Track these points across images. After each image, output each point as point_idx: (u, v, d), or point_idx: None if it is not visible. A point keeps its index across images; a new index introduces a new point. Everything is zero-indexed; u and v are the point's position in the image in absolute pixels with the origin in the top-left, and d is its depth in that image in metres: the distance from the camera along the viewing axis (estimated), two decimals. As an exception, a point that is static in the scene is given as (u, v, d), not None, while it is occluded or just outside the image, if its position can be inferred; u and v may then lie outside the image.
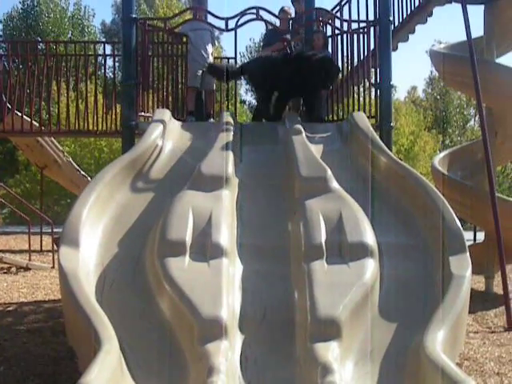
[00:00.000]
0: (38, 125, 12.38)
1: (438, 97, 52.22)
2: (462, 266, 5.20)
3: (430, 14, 11.96)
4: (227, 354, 4.41)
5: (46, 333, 9.07)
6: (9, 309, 11.05)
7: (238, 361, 4.63)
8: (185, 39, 10.11)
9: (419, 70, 73.99)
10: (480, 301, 11.05)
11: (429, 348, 4.19)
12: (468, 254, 5.38)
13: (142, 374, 4.45)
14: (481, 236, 13.91)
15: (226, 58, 12.53)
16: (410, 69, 71.84)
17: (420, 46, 46.51)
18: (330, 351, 4.37)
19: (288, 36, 10.51)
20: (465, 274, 5.10)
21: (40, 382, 6.99)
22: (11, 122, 11.59)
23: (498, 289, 11.59)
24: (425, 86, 54.74)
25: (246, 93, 47.75)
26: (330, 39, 10.11)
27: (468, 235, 15.41)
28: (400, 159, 7.18)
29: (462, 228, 5.67)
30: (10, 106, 11.91)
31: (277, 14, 10.39)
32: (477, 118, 44.56)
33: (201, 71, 10.25)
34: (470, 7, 10.91)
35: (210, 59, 10.50)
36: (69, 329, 5.25)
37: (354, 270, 5.19)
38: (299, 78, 9.08)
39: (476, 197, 11.66)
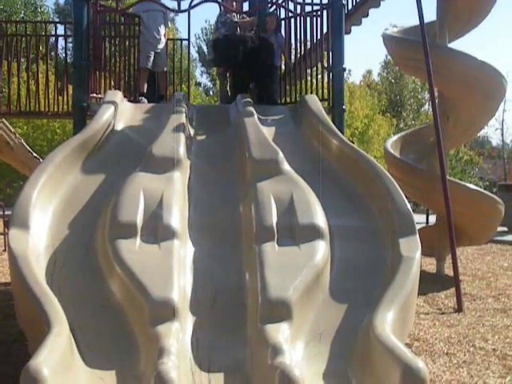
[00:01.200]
0: (-13, 105, 12.21)
1: (393, 81, 52.57)
2: (412, 248, 5.25)
3: (384, -1, 12.02)
4: (178, 336, 4.41)
5: (-4, 316, 8.99)
6: (-41, 292, 10.93)
7: (189, 342, 4.64)
8: (137, 20, 10.04)
9: (375, 54, 74.52)
10: (431, 282, 11.18)
11: (378, 328, 4.22)
12: (418, 236, 5.43)
13: (93, 357, 4.43)
14: (433, 219, 14.04)
15: (180, 39, 12.44)
16: (366, 52, 72.33)
17: (376, 29, 46.81)
18: (280, 332, 4.38)
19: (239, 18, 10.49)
20: (414, 256, 5.16)
21: (-10, 364, 6.93)
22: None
23: (448, 271, 11.73)
24: (380, 70, 55.09)
25: (201, 75, 47.64)
26: (282, 22, 10.10)
27: (420, 218, 15.70)
28: (353, 142, 7.24)
29: (412, 211, 5.72)
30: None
31: None
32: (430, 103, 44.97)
33: (153, 52, 10.17)
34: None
35: (163, 40, 10.43)
36: (19, 311, 5.20)
37: (305, 251, 5.22)
38: (252, 59, 9.12)
39: (428, 180, 11.76)
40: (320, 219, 5.53)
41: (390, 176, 6.12)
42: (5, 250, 15.03)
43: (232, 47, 9.53)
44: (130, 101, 8.79)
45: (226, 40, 9.82)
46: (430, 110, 16.44)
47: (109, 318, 4.85)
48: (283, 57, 10.16)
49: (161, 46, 10.37)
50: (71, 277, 5.23)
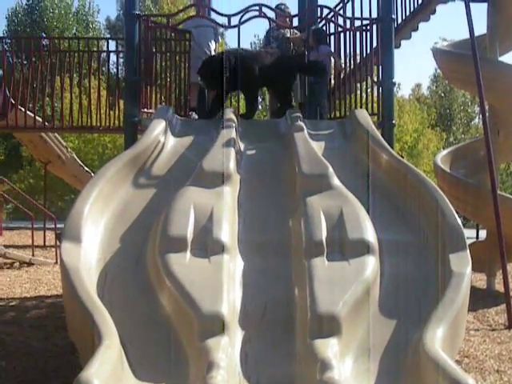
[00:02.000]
0: (41, 120, 12.41)
1: (443, 94, 52.21)
2: (462, 264, 5.20)
3: (433, 12, 11.96)
4: (227, 350, 4.42)
5: (48, 328, 9.12)
6: (11, 304, 11.11)
7: (238, 356, 4.64)
8: (187, 36, 10.12)
9: (424, 68, 74.08)
10: (481, 298, 11.07)
11: (428, 345, 4.19)
12: (468, 251, 5.38)
13: (143, 369, 4.47)
14: (483, 234, 13.90)
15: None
16: (415, 66, 71.93)
17: (425, 43, 46.52)
18: (329, 347, 4.38)
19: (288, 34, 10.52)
20: (465, 272, 5.11)
21: (41, 376, 7.04)
22: (15, 118, 11.61)
23: (499, 287, 11.60)
24: (429, 84, 54.75)
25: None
26: (330, 37, 10.09)
27: (470, 233, 15.53)
28: (403, 157, 7.22)
29: (462, 225, 5.67)
30: (13, 102, 11.94)
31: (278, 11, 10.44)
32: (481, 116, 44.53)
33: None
34: (473, 5, 10.90)
35: None
36: (70, 323, 5.27)
37: (355, 266, 5.20)
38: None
39: (478, 194, 11.66)
40: (370, 234, 5.51)
41: (439, 190, 6.08)
42: (56, 263, 15.24)
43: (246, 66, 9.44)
44: (180, 116, 8.87)
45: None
46: (481, 123, 16.31)
47: (158, 331, 4.88)
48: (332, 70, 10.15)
49: None
50: (122, 290, 5.28)
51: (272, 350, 4.76)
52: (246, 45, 44.86)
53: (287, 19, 10.68)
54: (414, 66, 73.92)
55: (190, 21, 10.50)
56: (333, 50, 9.97)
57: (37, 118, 11.97)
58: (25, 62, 12.00)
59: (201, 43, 10.21)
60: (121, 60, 12.05)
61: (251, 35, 45.68)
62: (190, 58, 10.04)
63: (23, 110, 11.83)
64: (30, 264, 15.15)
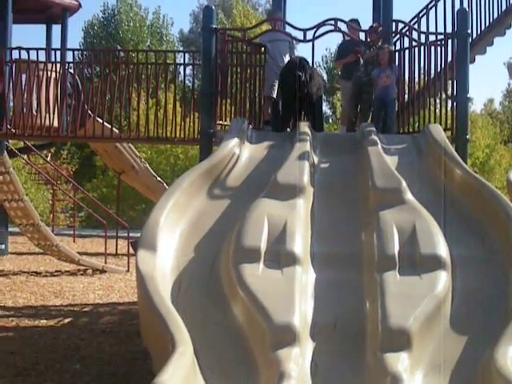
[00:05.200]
0: (117, 131, 12.65)
1: (516, 110, 51.36)
2: (535, 281, 5.17)
3: (509, 27, 11.85)
4: (298, 361, 4.47)
5: (120, 334, 9.29)
6: (85, 309, 11.34)
7: (308, 368, 4.67)
8: (263, 49, 10.22)
9: (496, 82, 72.99)
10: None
11: (500, 362, 4.16)
12: (540, 268, 5.34)
13: (214, 377, 4.54)
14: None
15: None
16: (488, 81, 70.88)
17: (498, 57, 45.89)
18: (400, 362, 4.40)
19: (361, 48, 10.52)
20: (537, 289, 5.08)
21: (114, 380, 7.18)
22: (92, 128, 11.86)
23: None
24: (502, 99, 53.92)
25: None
26: (396, 54, 10.06)
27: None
28: (475, 172, 7.16)
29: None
30: (91, 113, 12.20)
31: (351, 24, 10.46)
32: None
33: (276, 81, 10.27)
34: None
35: None
36: (144, 330, 5.39)
37: (427, 281, 5.20)
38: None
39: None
40: (442, 249, 5.50)
41: (513, 207, 6.03)
42: (128, 271, 15.46)
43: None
44: (254, 128, 8.97)
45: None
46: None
47: (230, 340, 4.95)
48: (402, 87, 10.13)
49: None
50: (195, 299, 5.37)
51: (342, 362, 4.79)
52: (318, 58, 44.78)
53: (358, 33, 10.70)
54: (486, 81, 72.92)
55: (265, 35, 10.60)
56: (407, 64, 9.95)
57: (113, 128, 12.20)
58: (101, 74, 12.22)
59: (275, 57, 10.26)
60: (194, 72, 12.21)
61: (323, 49, 45.64)
62: (264, 71, 10.13)
63: (100, 120, 12.07)
64: (102, 271, 15.40)
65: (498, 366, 4.14)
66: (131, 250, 15.61)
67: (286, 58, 10.43)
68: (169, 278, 5.50)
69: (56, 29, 15.95)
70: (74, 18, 16.19)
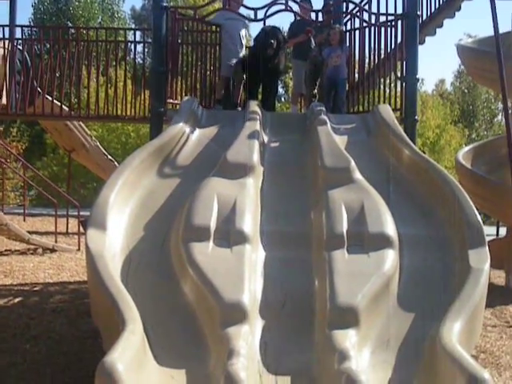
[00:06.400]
0: (67, 109, 12.53)
1: (466, 90, 51.90)
2: (481, 260, 5.25)
3: (459, 9, 11.97)
4: (248, 338, 4.51)
5: (70, 313, 9.26)
6: (35, 289, 11.26)
7: (258, 345, 4.73)
8: (214, 28, 10.19)
9: (448, 63, 73.64)
10: (499, 295, 11.08)
11: (445, 338, 4.24)
12: (487, 247, 5.42)
13: (165, 355, 4.56)
14: (504, 231, 13.89)
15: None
16: (439, 61, 71.52)
17: (450, 38, 46.22)
18: (347, 338, 4.46)
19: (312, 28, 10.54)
20: (483, 268, 5.16)
21: (65, 359, 7.17)
22: (41, 106, 11.73)
23: (518, 284, 11.63)
24: (453, 80, 54.45)
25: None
26: (347, 34, 10.11)
27: (491, 230, 15.52)
28: (424, 152, 7.25)
29: (481, 222, 5.71)
30: (40, 90, 12.06)
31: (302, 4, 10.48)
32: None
33: (234, 60, 10.22)
34: (498, 2, 10.89)
35: (244, 48, 10.49)
36: (94, 309, 5.38)
37: (374, 259, 5.27)
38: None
39: (499, 192, 11.67)
40: (390, 228, 5.58)
41: (460, 187, 6.12)
42: (79, 250, 15.38)
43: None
44: (205, 107, 8.96)
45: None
46: (504, 120, 16.26)
47: (180, 318, 4.98)
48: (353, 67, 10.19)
49: (242, 53, 10.41)
50: (145, 277, 5.38)
51: (291, 339, 4.85)
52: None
53: (310, 13, 10.72)
54: (438, 62, 73.56)
55: (220, 13, 10.53)
56: (357, 45, 10.00)
57: (63, 106, 12.08)
58: (51, 51, 12.07)
59: (234, 36, 10.17)
60: (146, 50, 12.14)
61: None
62: (216, 50, 10.10)
63: (50, 98, 11.94)
64: (53, 250, 15.27)
65: (443, 342, 4.22)
66: (82, 229, 15.51)
67: (244, 37, 10.39)
68: (119, 257, 5.50)
69: (4, 4, 15.68)
70: (23, -7, 15.94)
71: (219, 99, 10.21)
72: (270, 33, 9.59)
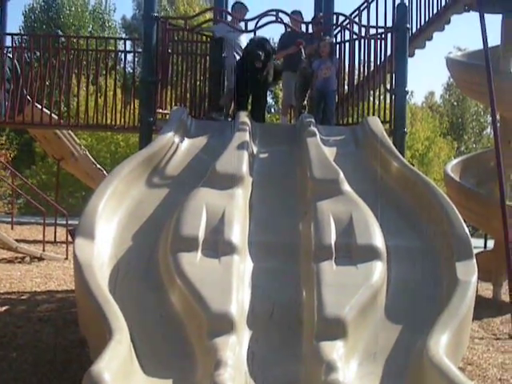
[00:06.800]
0: (56, 118, 12.51)
1: (455, 103, 52.07)
2: (468, 272, 5.27)
3: (448, 22, 12.07)
4: (235, 349, 4.51)
5: (57, 322, 9.22)
6: (22, 297, 11.21)
7: (245, 356, 4.73)
8: (204, 38, 10.21)
9: (438, 76, 73.94)
10: (487, 308, 11.11)
11: (432, 351, 4.25)
12: (474, 260, 5.44)
13: (151, 365, 4.56)
14: (491, 244, 13.94)
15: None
16: (429, 74, 71.77)
17: (440, 51, 46.37)
18: (335, 350, 4.46)
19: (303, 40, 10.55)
20: (470, 280, 5.17)
21: (51, 368, 7.15)
22: (31, 114, 11.71)
23: (505, 297, 11.63)
24: (442, 92, 54.62)
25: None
26: (337, 46, 10.14)
27: (479, 242, 15.58)
28: (413, 165, 7.28)
29: (469, 234, 5.73)
30: (29, 98, 12.05)
31: (293, 16, 10.51)
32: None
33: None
34: (487, 16, 10.97)
35: None
36: (81, 318, 5.37)
37: (362, 271, 5.28)
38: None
39: (486, 204, 11.72)
40: (378, 240, 5.59)
41: (448, 199, 6.14)
42: (66, 258, 15.33)
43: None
44: (194, 117, 8.97)
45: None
46: (492, 133, 16.34)
47: (168, 328, 4.98)
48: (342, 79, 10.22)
49: None
50: (133, 287, 5.38)
51: (278, 350, 4.85)
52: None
53: (300, 24, 10.74)
54: (427, 74, 73.83)
55: (220, 25, 10.46)
56: (347, 57, 10.03)
57: (52, 115, 12.07)
58: (41, 59, 12.06)
59: (236, 48, 10.14)
60: (136, 59, 12.15)
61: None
62: (205, 59, 10.12)
63: (39, 106, 11.93)
64: (40, 259, 15.21)
65: (430, 354, 4.22)
66: (70, 238, 15.47)
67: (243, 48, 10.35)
68: (106, 267, 5.49)
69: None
70: (13, 1, 15.93)
71: (221, 107, 10.10)
72: (258, 44, 9.60)
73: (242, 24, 10.10)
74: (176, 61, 10.10)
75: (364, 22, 10.77)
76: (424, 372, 4.25)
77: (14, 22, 48.47)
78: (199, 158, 7.51)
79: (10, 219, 19.68)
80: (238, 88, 9.77)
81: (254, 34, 9.79)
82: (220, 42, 10.01)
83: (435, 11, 11.89)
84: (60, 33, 17.49)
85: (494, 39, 12.38)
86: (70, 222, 16.53)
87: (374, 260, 5.39)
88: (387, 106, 9.44)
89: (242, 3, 10.65)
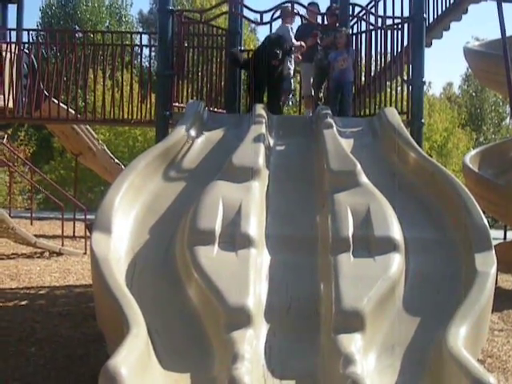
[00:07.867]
0: (74, 112, 12.53)
1: (474, 94, 51.76)
2: (487, 263, 5.23)
3: (465, 12, 11.96)
4: (252, 342, 4.50)
5: (76, 316, 9.26)
6: (41, 292, 11.26)
7: (262, 349, 4.71)
8: (220, 31, 10.20)
9: (456, 66, 73.60)
10: (507, 299, 11.02)
11: (450, 343, 4.23)
12: (493, 251, 5.40)
13: (169, 359, 4.56)
14: (511, 235, 13.86)
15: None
16: (447, 64, 71.49)
17: (458, 41, 46.17)
18: (353, 343, 4.44)
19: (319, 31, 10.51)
20: (489, 271, 5.14)
21: (69, 363, 7.17)
22: (48, 110, 11.74)
23: (526, 288, 11.59)
24: (461, 83, 54.32)
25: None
26: (353, 37, 10.08)
27: (498, 234, 15.48)
28: (431, 156, 7.24)
29: (488, 225, 5.69)
30: (47, 94, 12.07)
31: (310, 8, 10.47)
32: None
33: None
34: (505, 5, 10.86)
35: None
36: (99, 312, 5.38)
37: (380, 263, 5.25)
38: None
39: (506, 195, 11.63)
40: (396, 232, 5.56)
41: (467, 190, 6.09)
42: (85, 253, 15.37)
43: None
44: (211, 110, 8.96)
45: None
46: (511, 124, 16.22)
47: (185, 322, 4.98)
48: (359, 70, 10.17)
49: None
50: (150, 281, 5.38)
51: (296, 343, 4.83)
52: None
53: (317, 16, 10.70)
54: (445, 65, 73.53)
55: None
56: (364, 48, 9.98)
57: (69, 110, 12.09)
58: (58, 55, 12.08)
59: None
60: (153, 54, 12.14)
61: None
62: (221, 53, 10.12)
63: (56, 101, 11.94)
64: (59, 254, 15.27)
65: (448, 346, 4.20)
66: (88, 233, 15.51)
67: None
68: (123, 261, 5.50)
69: (12, 8, 15.70)
70: (31, -3, 15.98)
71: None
72: (275, 42, 9.56)
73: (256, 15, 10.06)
74: (192, 54, 10.09)
75: (380, 12, 10.70)
76: (443, 364, 4.23)
77: (32, 18, 48.70)
78: (215, 151, 7.49)
79: (29, 214, 19.77)
80: (254, 82, 9.75)
81: (270, 25, 9.75)
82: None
83: (452, 1, 11.80)
84: (77, 28, 17.47)
85: (512, 29, 12.28)
86: (88, 217, 16.58)
87: (391, 252, 5.35)
88: (404, 97, 9.38)
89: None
